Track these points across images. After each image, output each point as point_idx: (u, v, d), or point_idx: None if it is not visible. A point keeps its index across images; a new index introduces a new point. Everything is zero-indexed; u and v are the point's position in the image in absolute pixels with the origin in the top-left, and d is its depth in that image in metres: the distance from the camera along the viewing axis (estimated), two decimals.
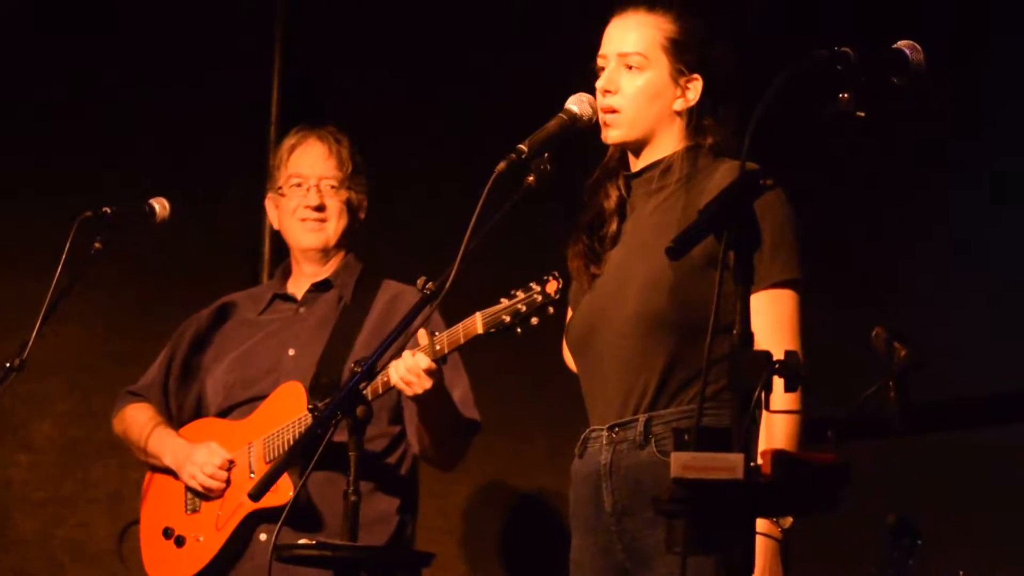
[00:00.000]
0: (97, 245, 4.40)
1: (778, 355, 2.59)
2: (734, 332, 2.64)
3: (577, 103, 3.59)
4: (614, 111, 3.56)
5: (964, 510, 4.79)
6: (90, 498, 5.64)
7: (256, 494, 3.71)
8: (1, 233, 5.62)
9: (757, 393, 2.56)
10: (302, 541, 3.82)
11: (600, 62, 3.61)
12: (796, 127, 2.78)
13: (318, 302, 4.61)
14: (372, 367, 3.57)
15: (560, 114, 3.58)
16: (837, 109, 2.78)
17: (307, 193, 4.56)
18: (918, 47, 2.87)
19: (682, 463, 2.53)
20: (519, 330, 3.83)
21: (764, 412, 2.59)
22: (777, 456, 2.54)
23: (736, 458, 2.51)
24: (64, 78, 5.66)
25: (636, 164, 3.63)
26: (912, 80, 2.85)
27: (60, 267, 4.31)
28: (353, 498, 3.62)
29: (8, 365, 4.31)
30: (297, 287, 4.65)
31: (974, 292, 4.97)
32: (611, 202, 3.65)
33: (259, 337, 4.61)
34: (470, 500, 5.72)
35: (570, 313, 3.78)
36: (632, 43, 3.57)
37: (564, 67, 3.69)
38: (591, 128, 3.60)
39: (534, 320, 3.80)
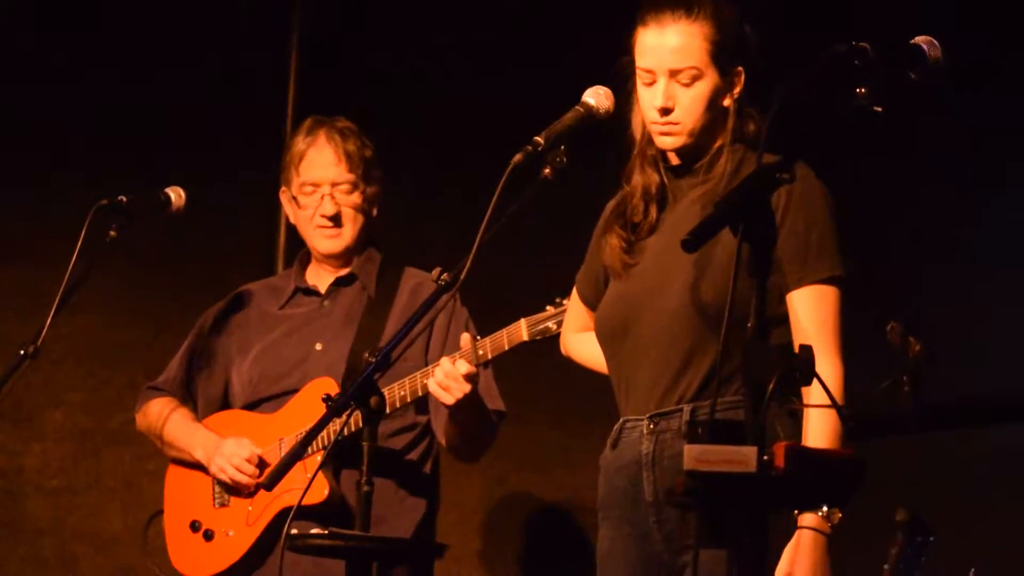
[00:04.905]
0: (112, 233, 4.39)
1: (821, 354, 2.57)
2: (772, 328, 2.63)
3: (594, 96, 3.56)
4: (674, 124, 3.52)
5: (978, 507, 4.78)
6: (103, 487, 5.65)
7: (269, 484, 3.69)
8: (16, 221, 5.63)
9: (771, 386, 2.56)
10: (314, 531, 3.81)
11: (645, 76, 3.52)
12: (814, 121, 2.77)
13: (342, 295, 4.57)
14: (387, 356, 3.55)
15: (577, 107, 3.55)
16: (855, 104, 2.78)
17: (321, 202, 4.50)
18: (935, 42, 2.87)
19: (695, 456, 2.53)
20: None
21: (806, 411, 2.58)
22: (789, 450, 2.54)
23: (749, 451, 2.51)
24: (80, 68, 5.67)
25: (678, 155, 3.58)
26: (930, 75, 2.85)
27: (75, 255, 4.31)
28: (366, 488, 3.58)
29: (22, 353, 4.30)
30: (318, 279, 4.61)
31: (993, 287, 4.95)
32: (652, 190, 3.60)
33: (283, 331, 4.57)
34: (484, 493, 5.71)
35: (575, 295, 3.78)
36: (681, 59, 3.49)
37: (591, 64, 3.68)
38: (607, 121, 3.58)
39: None
